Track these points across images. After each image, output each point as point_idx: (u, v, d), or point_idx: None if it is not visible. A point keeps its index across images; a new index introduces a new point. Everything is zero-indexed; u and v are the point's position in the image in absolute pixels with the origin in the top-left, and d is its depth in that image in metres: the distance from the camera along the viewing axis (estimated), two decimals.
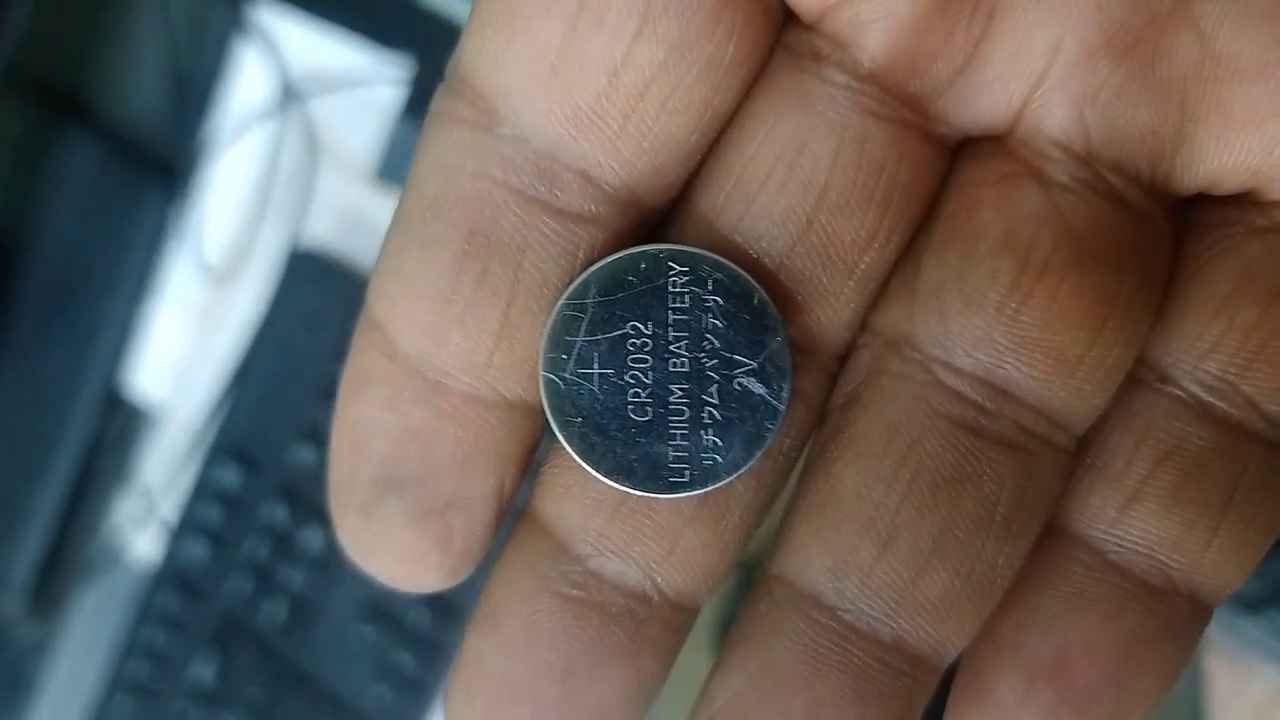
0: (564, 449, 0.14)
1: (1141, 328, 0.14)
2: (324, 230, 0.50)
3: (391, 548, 0.15)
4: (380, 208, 0.49)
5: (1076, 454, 0.15)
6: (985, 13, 0.14)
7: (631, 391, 0.14)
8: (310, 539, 0.48)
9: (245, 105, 0.50)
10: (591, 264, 0.14)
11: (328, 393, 0.49)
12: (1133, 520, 0.14)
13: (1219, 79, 0.13)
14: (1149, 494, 0.14)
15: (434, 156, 0.14)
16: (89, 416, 0.53)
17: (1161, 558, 0.14)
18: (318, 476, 0.49)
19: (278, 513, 0.49)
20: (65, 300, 0.53)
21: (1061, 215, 0.14)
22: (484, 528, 0.15)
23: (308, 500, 0.48)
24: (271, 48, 0.49)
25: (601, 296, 0.14)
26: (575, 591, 0.14)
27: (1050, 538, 0.15)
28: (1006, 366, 0.14)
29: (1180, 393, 0.14)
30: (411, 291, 0.14)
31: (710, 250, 0.14)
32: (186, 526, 0.50)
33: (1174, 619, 0.14)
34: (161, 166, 0.51)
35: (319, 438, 0.49)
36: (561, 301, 0.14)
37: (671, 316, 0.14)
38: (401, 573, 0.15)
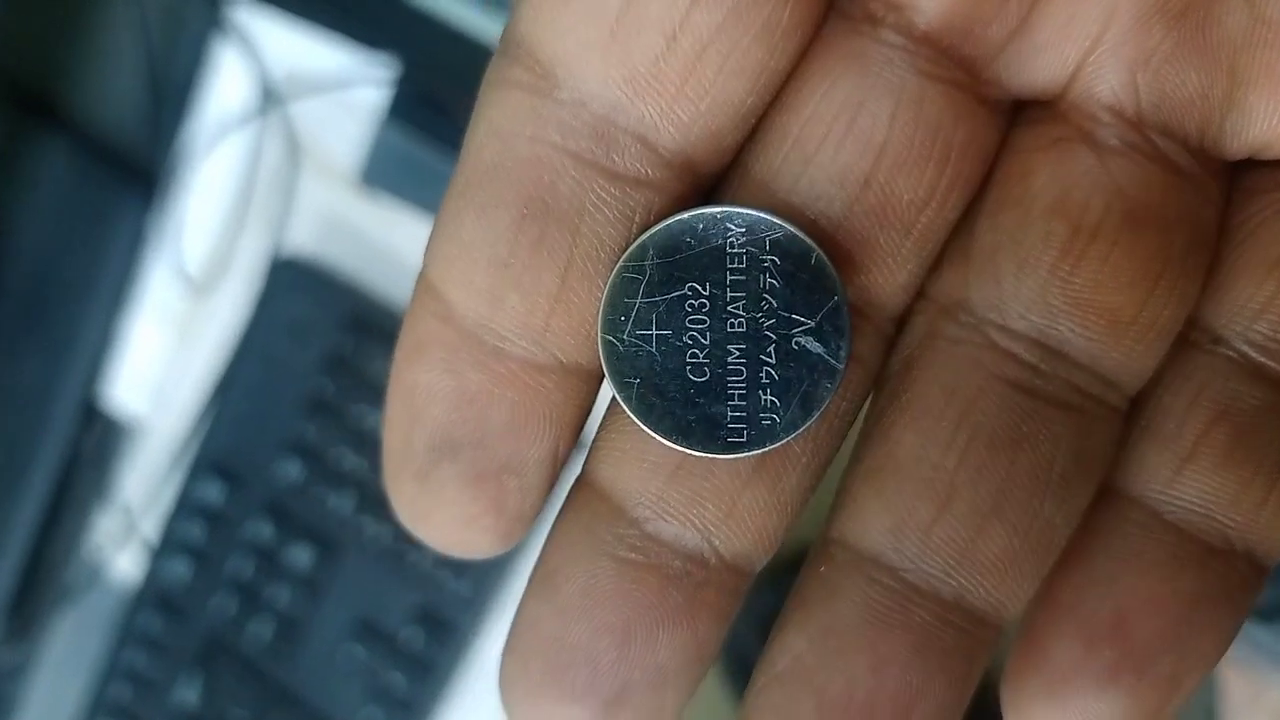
0: (622, 411, 0.15)
1: (1192, 288, 0.14)
2: (307, 237, 0.49)
3: (446, 513, 0.15)
4: (364, 213, 0.48)
5: (1130, 417, 0.15)
6: None
7: (690, 352, 0.14)
8: (297, 556, 0.47)
9: (224, 108, 0.49)
10: (648, 227, 0.14)
11: (313, 405, 0.48)
12: (1188, 480, 0.15)
13: (1269, 44, 0.14)
14: (1203, 453, 0.14)
15: (491, 122, 0.14)
16: (66, 430, 0.51)
17: (1218, 517, 0.14)
18: (304, 491, 0.48)
19: (263, 530, 0.48)
20: (40, 310, 0.52)
21: (1113, 179, 0.14)
22: (538, 491, 0.15)
23: (293, 516, 0.48)
24: (251, 48, 0.48)
25: (660, 258, 0.14)
26: (633, 555, 0.15)
27: (1106, 500, 0.15)
28: (1060, 328, 0.14)
29: (1232, 353, 0.15)
30: (468, 255, 0.14)
31: (767, 211, 0.14)
32: (168, 544, 0.49)
33: (1231, 579, 0.15)
34: (138, 172, 0.50)
35: (304, 451, 0.47)
36: (620, 264, 0.14)
37: (729, 277, 0.14)
38: (456, 537, 0.15)
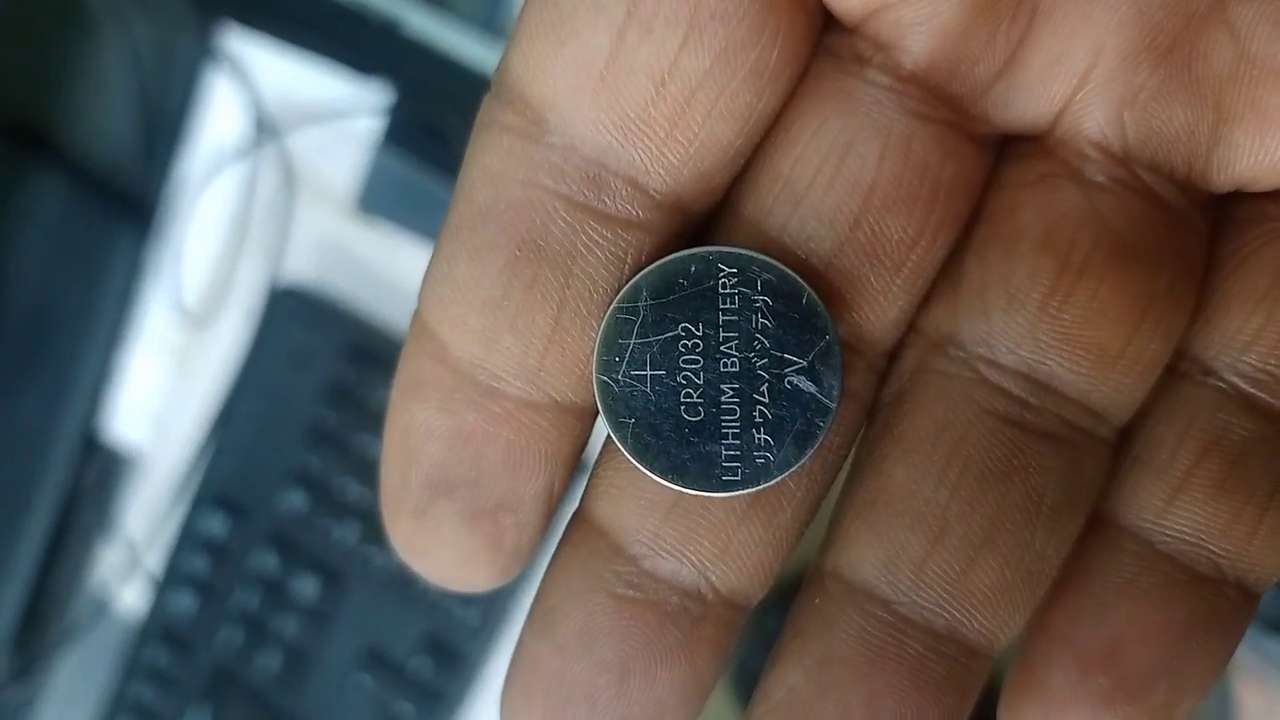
0: (618, 450, 0.15)
1: (1179, 322, 0.15)
2: (305, 266, 0.49)
3: (444, 549, 0.15)
4: (362, 241, 0.48)
5: (1122, 447, 0.15)
6: (1026, 15, 0.14)
7: (684, 392, 0.15)
8: (303, 587, 0.47)
9: (219, 137, 0.49)
10: (640, 268, 0.15)
11: (316, 434, 0.48)
12: (1180, 510, 0.15)
13: (1254, 80, 0.14)
14: (1195, 484, 0.15)
15: (483, 165, 0.15)
16: (67, 464, 0.51)
17: (1209, 546, 0.15)
18: (308, 522, 0.47)
19: (268, 561, 0.48)
20: (38, 343, 0.52)
21: (1100, 215, 0.14)
22: (534, 528, 0.15)
23: (299, 546, 0.47)
24: (244, 76, 0.48)
25: (653, 299, 0.15)
26: (631, 592, 0.15)
27: (1099, 529, 0.15)
28: (1049, 362, 0.14)
29: (1222, 384, 0.15)
30: (463, 297, 0.15)
31: (759, 251, 0.15)
32: (173, 577, 0.49)
33: (1223, 607, 0.15)
34: (134, 204, 0.50)
35: (308, 482, 0.47)
36: (614, 305, 0.14)
37: (722, 317, 0.15)
38: (453, 573, 0.15)
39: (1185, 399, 0.15)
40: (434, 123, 0.47)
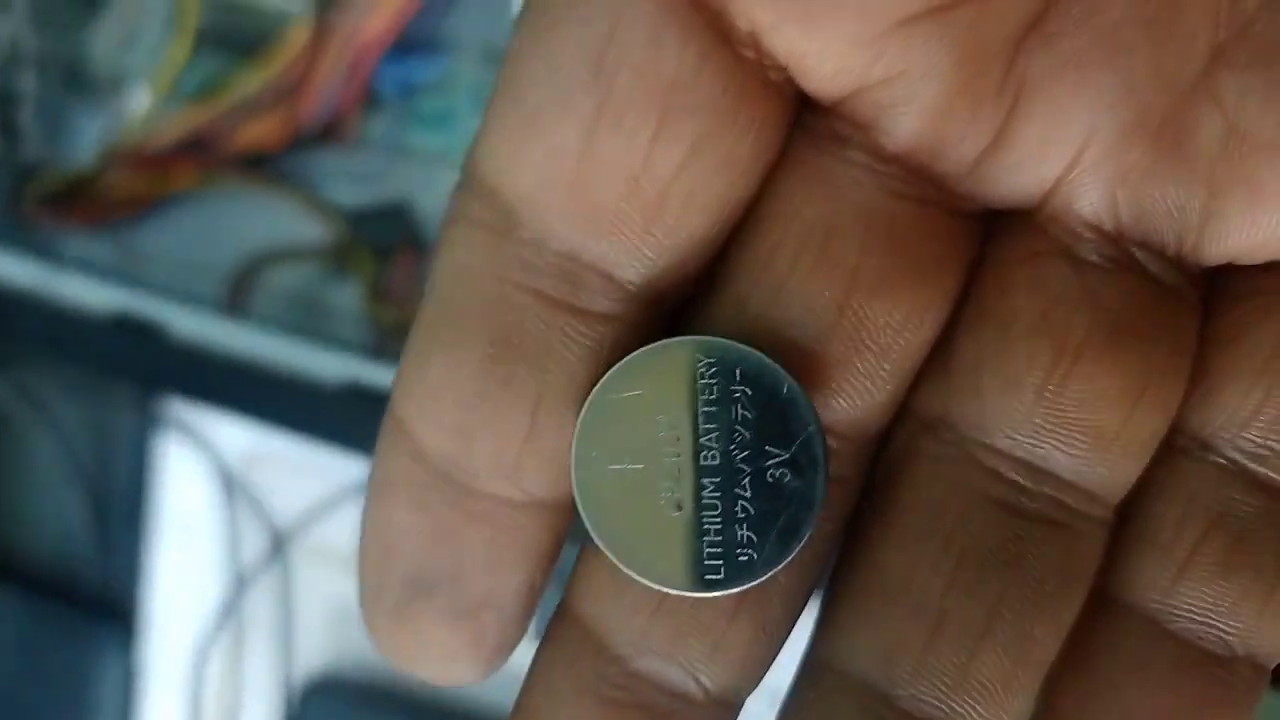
0: (599, 547, 0.15)
1: (1174, 399, 0.15)
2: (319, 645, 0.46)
3: (426, 648, 0.15)
4: None
5: (1124, 524, 0.15)
6: (1011, 93, 0.14)
7: (664, 487, 0.14)
8: None
9: (180, 510, 0.47)
10: (617, 359, 0.14)
11: None
12: (1186, 589, 0.15)
13: (1244, 155, 0.14)
14: (1200, 562, 0.15)
15: (454, 260, 0.14)
16: None
17: (1218, 625, 0.14)
18: None
19: None
20: None
21: (1094, 296, 0.14)
22: (516, 623, 0.15)
23: None
24: (199, 440, 0.47)
25: (630, 392, 0.14)
26: (618, 693, 0.15)
27: (1104, 609, 0.15)
28: (1046, 447, 0.14)
29: (1223, 460, 0.15)
30: (437, 395, 0.14)
31: (738, 339, 0.14)
32: None
33: (1234, 684, 0.15)
34: (103, 606, 0.47)
35: None
36: (590, 399, 0.14)
37: (701, 409, 0.14)
38: (437, 671, 0.15)
39: (1185, 475, 0.15)
40: None
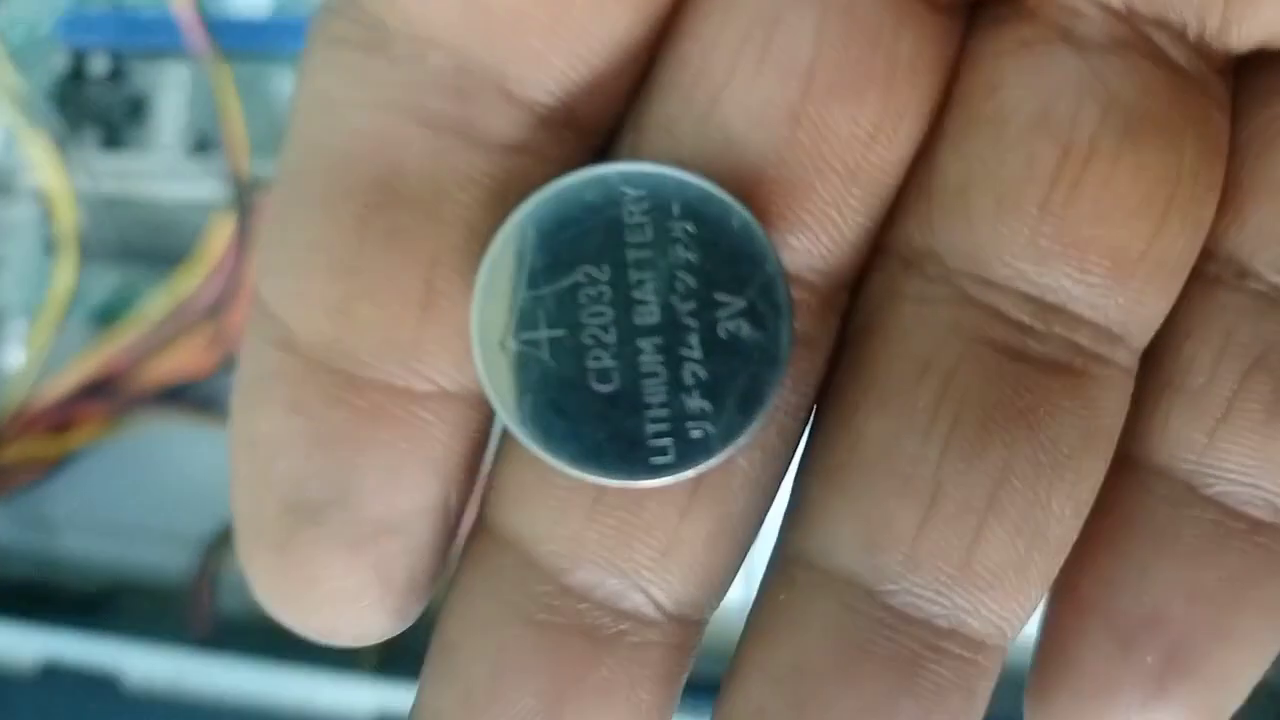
0: (516, 437, 0.12)
1: (1207, 211, 0.13)
2: None
3: (318, 590, 0.12)
4: None
5: (1146, 370, 0.13)
6: None
7: (592, 354, 0.12)
8: None
9: None
10: (524, 201, 0.12)
11: None
12: (1226, 444, 0.13)
13: None
14: (1241, 411, 0.13)
15: (315, 91, 0.12)
16: None
17: (1263, 484, 0.13)
18: None
19: None
20: None
21: (1104, 83, 0.12)
22: (431, 552, 0.13)
23: None
24: None
25: (542, 239, 0.12)
26: (551, 616, 0.13)
27: (1129, 473, 0.13)
28: (1055, 275, 0.12)
29: (1263, 287, 0.13)
30: (305, 263, 0.12)
31: (672, 166, 0.12)
32: None
33: None
34: None
35: None
36: (491, 250, 0.12)
37: (632, 254, 0.12)
38: (335, 621, 0.13)
39: (1220, 308, 0.13)
40: None
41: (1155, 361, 0.13)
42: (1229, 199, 0.13)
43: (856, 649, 0.12)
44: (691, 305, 0.12)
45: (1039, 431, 0.13)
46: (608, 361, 0.12)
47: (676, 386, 0.12)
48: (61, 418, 0.31)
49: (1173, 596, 0.13)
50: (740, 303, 0.12)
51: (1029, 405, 0.13)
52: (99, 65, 0.32)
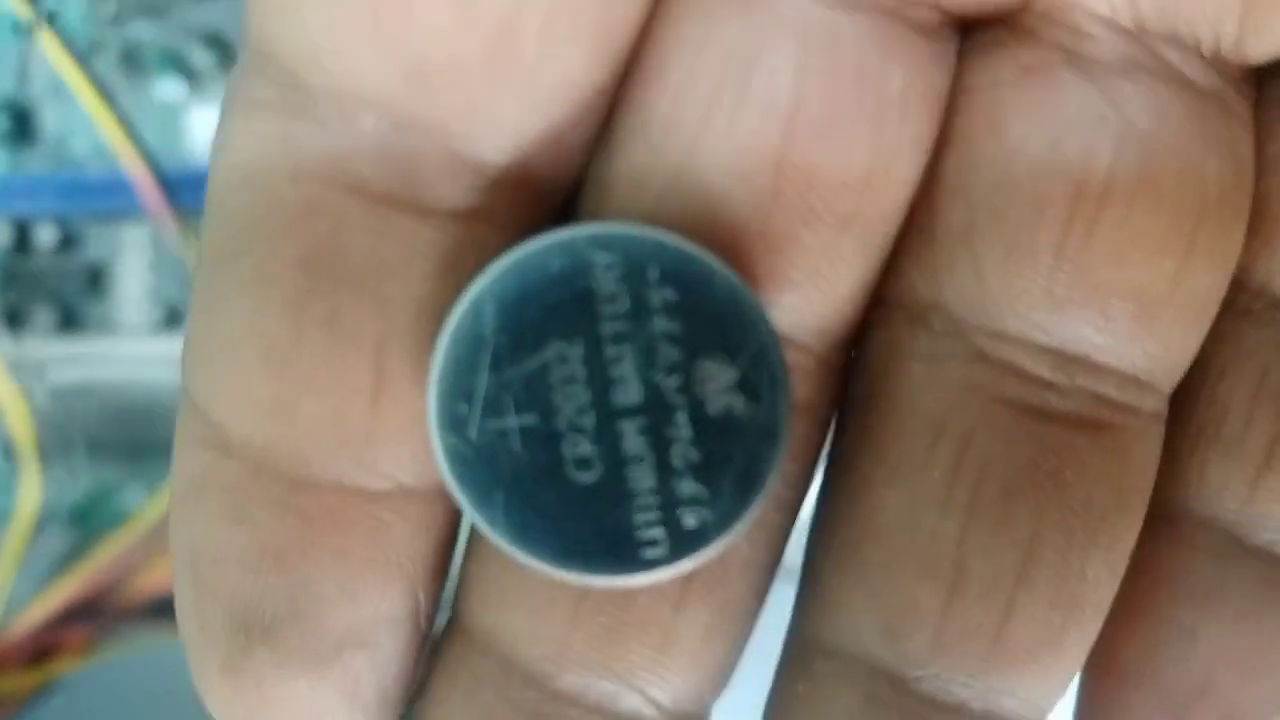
0: (487, 538, 0.11)
1: (1234, 242, 0.12)
2: None
3: (277, 714, 0.12)
4: None
5: (1177, 413, 0.12)
6: None
7: (568, 442, 0.11)
8: None
9: None
10: (479, 272, 0.11)
11: None
12: (1271, 493, 0.12)
13: None
14: None
15: (235, 163, 0.11)
16: None
17: None
18: None
19: None
20: None
21: (1116, 111, 0.12)
22: (401, 662, 0.12)
23: None
24: None
25: (504, 315, 0.11)
26: None
27: (1166, 527, 0.13)
28: (1075, 323, 0.12)
29: None
30: (237, 355, 0.11)
31: (645, 226, 0.11)
32: None
33: None
34: None
35: None
36: (449, 331, 0.11)
37: (607, 328, 0.11)
38: None
39: (1253, 343, 0.13)
40: None
41: (1187, 404, 0.13)
42: (1257, 224, 0.12)
43: None
44: (677, 380, 0.11)
45: (1068, 494, 0.12)
46: (586, 448, 0.11)
47: (665, 471, 0.11)
48: (38, 647, 0.28)
49: (1222, 659, 0.12)
50: (731, 374, 0.11)
51: (1055, 467, 0.12)
52: (46, 235, 0.28)
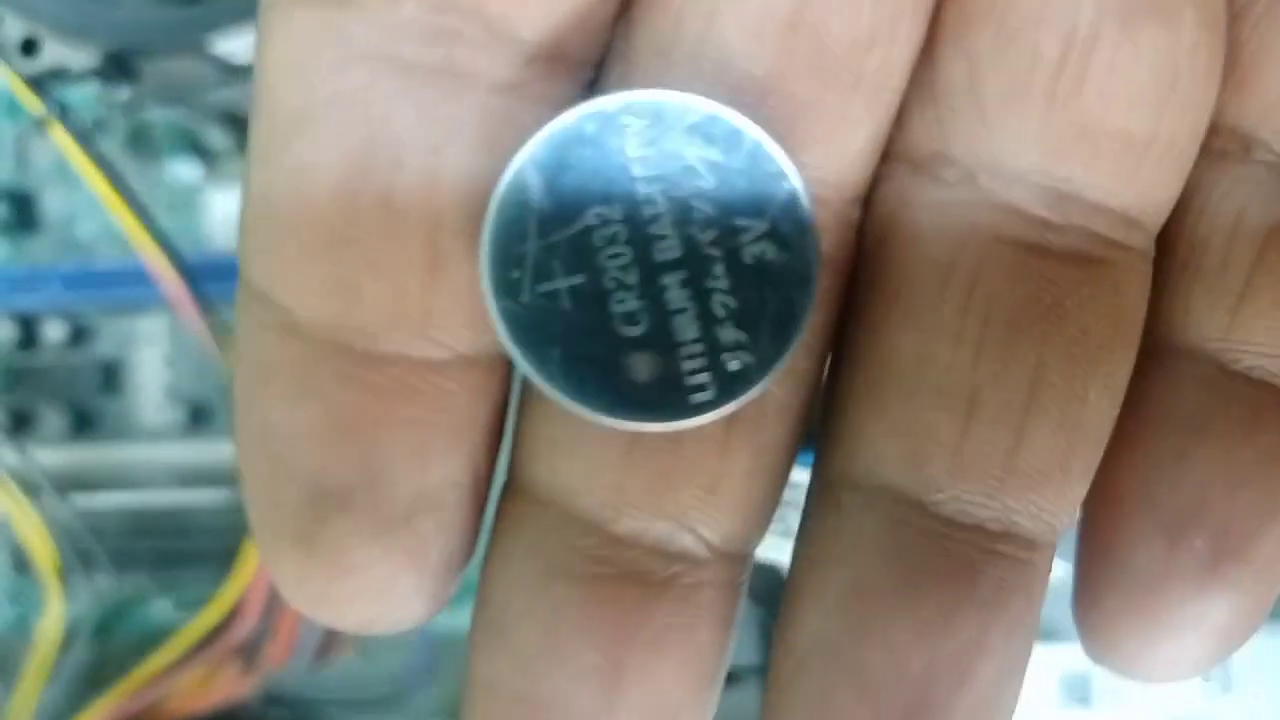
0: (546, 393, 0.12)
1: (1212, 86, 0.13)
2: None
3: (351, 582, 0.12)
4: None
5: (1162, 254, 0.13)
6: None
7: (615, 298, 0.12)
8: None
9: None
10: (519, 145, 0.12)
11: None
12: (1250, 321, 0.13)
13: None
14: (1261, 285, 0.13)
15: (281, 57, 0.12)
16: None
17: None
18: None
19: None
20: None
21: None
22: (465, 526, 0.12)
23: None
24: None
25: (546, 183, 0.12)
26: (600, 568, 0.12)
27: (1155, 360, 0.13)
28: (1068, 163, 0.12)
29: (1271, 158, 0.13)
30: (295, 239, 0.12)
31: (673, 90, 0.12)
32: None
33: None
34: None
35: None
36: (495, 201, 0.12)
37: (643, 189, 0.12)
38: (372, 612, 0.12)
39: (1230, 183, 0.13)
40: None
41: (1170, 244, 0.13)
42: (1231, 69, 0.13)
43: (913, 563, 0.12)
44: (712, 234, 0.12)
45: (1069, 325, 0.12)
46: (633, 303, 0.12)
47: (708, 320, 0.12)
48: None
49: (1215, 479, 0.13)
50: (762, 225, 0.12)
51: (1056, 299, 0.12)
52: (54, 330, 0.26)
